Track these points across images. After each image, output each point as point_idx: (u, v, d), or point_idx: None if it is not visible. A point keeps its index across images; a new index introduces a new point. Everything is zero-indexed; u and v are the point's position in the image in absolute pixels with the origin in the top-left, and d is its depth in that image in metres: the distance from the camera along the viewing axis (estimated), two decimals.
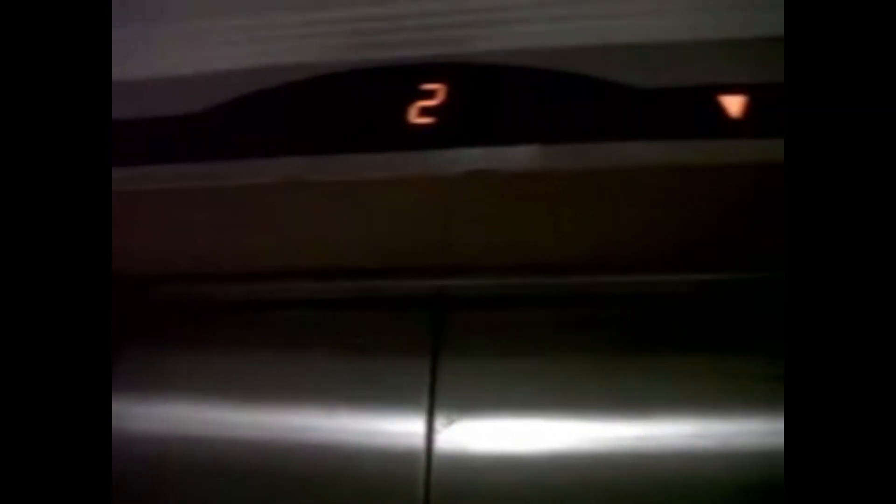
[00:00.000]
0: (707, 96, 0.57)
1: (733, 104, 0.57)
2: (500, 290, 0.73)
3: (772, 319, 0.69)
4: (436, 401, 0.71)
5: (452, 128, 0.59)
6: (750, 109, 0.57)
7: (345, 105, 0.60)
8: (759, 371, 0.69)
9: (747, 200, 0.60)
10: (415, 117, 0.59)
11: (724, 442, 0.67)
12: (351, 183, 0.59)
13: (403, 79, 0.60)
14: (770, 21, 0.59)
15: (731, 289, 0.72)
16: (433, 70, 0.60)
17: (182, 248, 0.68)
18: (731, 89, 0.57)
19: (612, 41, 0.59)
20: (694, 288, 0.72)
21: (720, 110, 0.57)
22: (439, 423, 0.70)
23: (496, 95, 0.60)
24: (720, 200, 0.61)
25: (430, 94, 0.60)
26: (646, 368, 0.70)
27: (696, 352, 0.71)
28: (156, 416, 0.72)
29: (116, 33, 0.54)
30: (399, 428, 0.70)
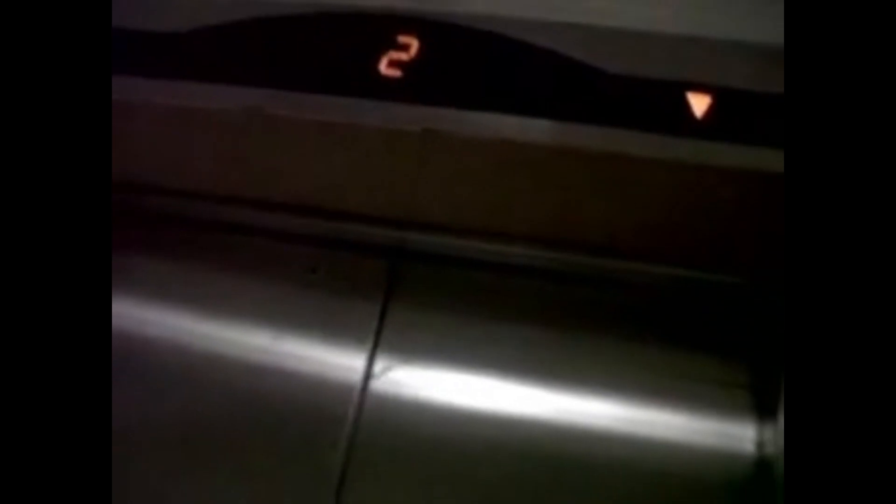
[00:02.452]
0: (675, 92, 0.57)
1: (700, 103, 0.57)
2: (458, 251, 0.74)
3: (734, 324, 0.71)
4: (378, 346, 0.73)
5: (420, 84, 0.59)
6: (715, 111, 0.56)
7: (316, 46, 0.60)
8: (708, 370, 0.70)
9: (712, 201, 0.60)
10: (385, 68, 0.60)
11: (655, 432, 0.68)
12: (311, 122, 0.60)
13: (377, 27, 0.60)
14: (760, 27, 0.58)
15: (697, 287, 0.72)
16: (407, 22, 0.60)
17: (149, 162, 0.69)
18: (700, 88, 0.56)
19: (591, 22, 0.59)
20: (654, 278, 0.73)
21: (686, 108, 0.57)
22: (377, 367, 0.72)
23: (468, 58, 0.60)
24: (685, 197, 0.61)
25: (402, 47, 0.60)
26: (592, 348, 0.72)
27: (648, 337, 0.72)
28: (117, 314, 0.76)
29: None
30: (339, 362, 0.73)
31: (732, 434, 0.67)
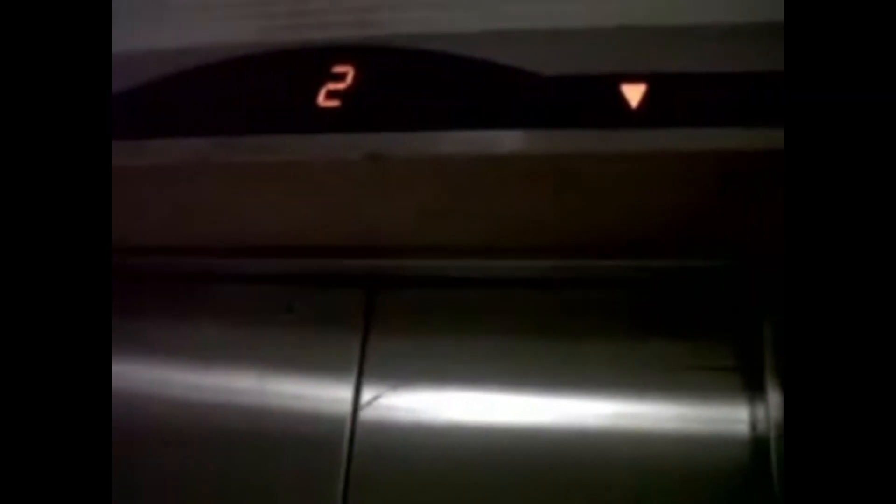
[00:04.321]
0: (609, 85, 0.57)
1: (634, 94, 0.56)
2: (430, 270, 0.74)
3: (723, 307, 0.70)
4: (363, 374, 0.73)
5: (359, 111, 0.59)
6: (649, 99, 0.56)
7: (255, 87, 0.61)
8: (704, 358, 0.69)
9: (671, 188, 0.60)
10: (323, 100, 0.60)
11: (651, 426, 0.68)
12: (259, 164, 0.60)
13: (312, 60, 0.60)
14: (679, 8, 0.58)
15: (674, 276, 0.71)
16: (342, 52, 0.60)
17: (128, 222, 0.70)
18: (632, 79, 0.56)
19: (517, 27, 0.59)
20: (630, 272, 0.72)
21: (621, 100, 0.57)
22: (365, 397, 0.72)
23: (405, 79, 0.60)
24: (643, 187, 0.60)
25: (339, 77, 0.60)
26: (578, 352, 0.71)
27: (633, 332, 0.72)
28: None
29: None
30: (327, 395, 0.73)
31: (726, 418, 0.67)
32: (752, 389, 0.66)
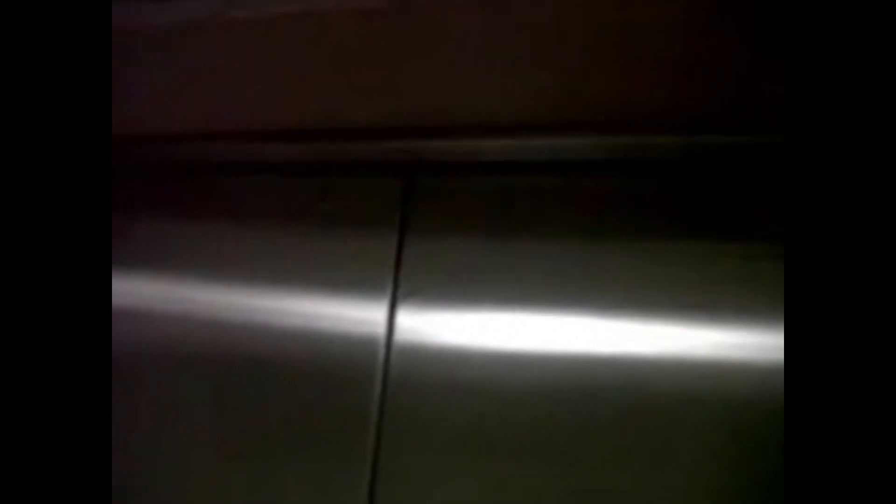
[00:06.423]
0: None
1: None
2: (475, 153, 0.65)
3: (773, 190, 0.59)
4: (399, 283, 0.64)
5: None
6: None
7: None
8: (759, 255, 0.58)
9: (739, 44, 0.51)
10: None
11: (719, 352, 0.57)
12: (275, 17, 0.52)
13: None
14: None
15: (728, 154, 0.61)
16: None
17: (129, 105, 0.63)
18: None
19: None
20: (685, 152, 0.62)
21: None
22: (400, 318, 0.64)
23: None
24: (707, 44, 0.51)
25: None
26: (634, 253, 0.60)
27: (690, 233, 0.59)
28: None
29: None
30: (361, 314, 0.65)
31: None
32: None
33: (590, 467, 0.56)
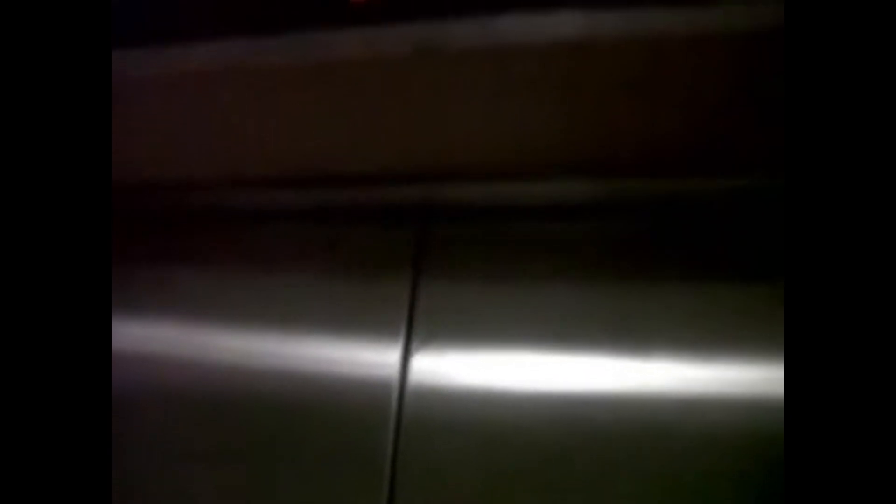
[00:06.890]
0: None
1: None
2: (487, 199, 0.65)
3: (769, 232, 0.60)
4: (413, 328, 0.65)
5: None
6: None
7: None
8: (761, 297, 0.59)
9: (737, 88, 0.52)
10: None
11: (724, 389, 0.57)
12: (294, 68, 0.54)
13: None
14: None
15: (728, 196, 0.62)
16: None
17: (142, 151, 0.64)
18: None
19: None
20: (695, 195, 0.64)
21: None
22: (414, 360, 0.64)
23: None
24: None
25: None
26: (644, 295, 0.61)
27: (698, 274, 0.61)
28: (121, 336, 0.69)
29: None
30: (374, 357, 0.65)
31: None
32: None
33: None
